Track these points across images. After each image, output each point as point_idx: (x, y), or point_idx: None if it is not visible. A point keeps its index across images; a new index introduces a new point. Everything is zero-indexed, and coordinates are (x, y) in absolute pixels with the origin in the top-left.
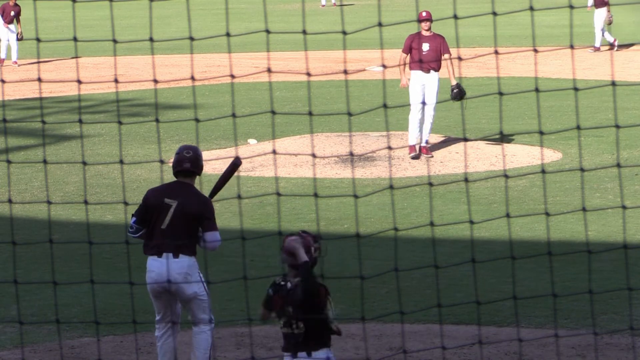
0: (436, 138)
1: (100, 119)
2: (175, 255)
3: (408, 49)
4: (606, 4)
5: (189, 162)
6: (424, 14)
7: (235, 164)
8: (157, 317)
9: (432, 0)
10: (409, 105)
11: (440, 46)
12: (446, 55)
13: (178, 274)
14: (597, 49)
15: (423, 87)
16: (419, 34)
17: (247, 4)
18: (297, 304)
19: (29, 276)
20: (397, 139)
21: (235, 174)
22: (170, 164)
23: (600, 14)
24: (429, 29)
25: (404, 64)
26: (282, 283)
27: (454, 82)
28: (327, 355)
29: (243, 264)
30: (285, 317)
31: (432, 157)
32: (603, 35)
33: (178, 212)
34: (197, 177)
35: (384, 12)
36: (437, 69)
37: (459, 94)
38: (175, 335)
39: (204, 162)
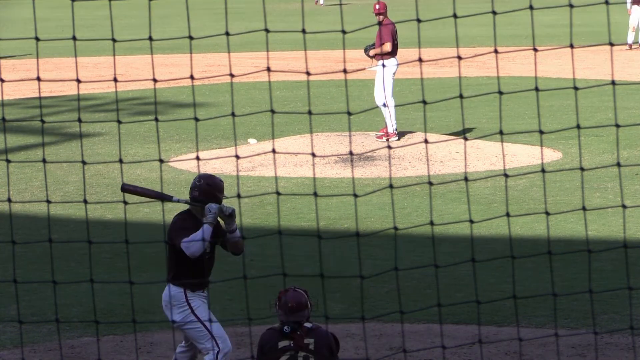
0: (436, 137)
1: (100, 119)
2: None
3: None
4: None
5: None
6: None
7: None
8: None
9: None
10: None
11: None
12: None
13: (163, 301)
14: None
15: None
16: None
17: (246, 3)
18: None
19: (28, 276)
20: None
21: (235, 173)
22: (170, 164)
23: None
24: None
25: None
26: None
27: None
28: None
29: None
30: None
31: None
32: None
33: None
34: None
35: None
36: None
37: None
38: (194, 353)
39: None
